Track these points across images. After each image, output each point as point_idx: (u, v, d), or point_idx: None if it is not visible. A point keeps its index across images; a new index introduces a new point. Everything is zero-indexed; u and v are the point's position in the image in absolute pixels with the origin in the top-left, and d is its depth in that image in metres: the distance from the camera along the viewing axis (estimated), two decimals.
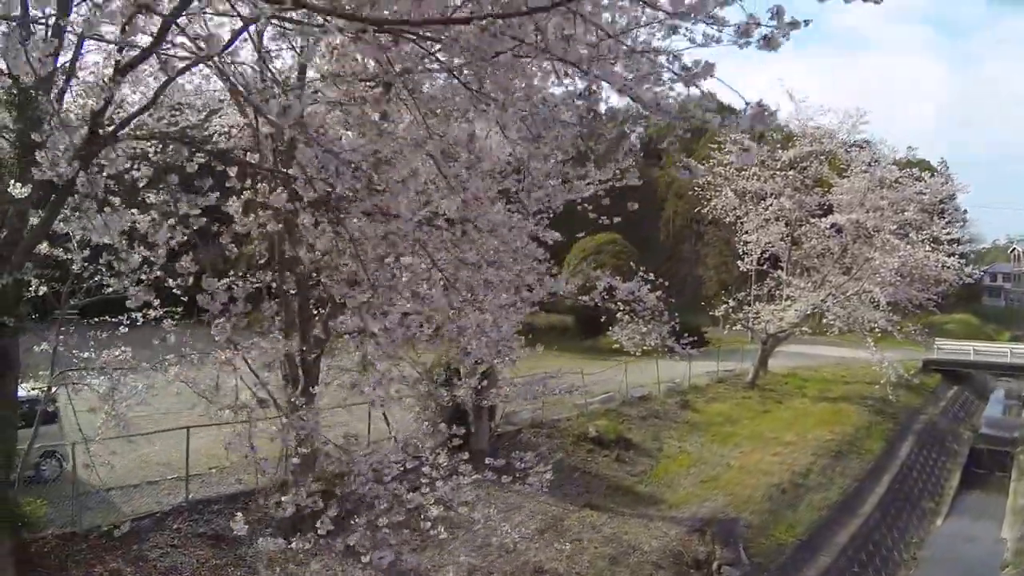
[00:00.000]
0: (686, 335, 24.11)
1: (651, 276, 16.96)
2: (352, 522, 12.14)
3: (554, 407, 27.67)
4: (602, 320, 45.96)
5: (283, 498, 10.55)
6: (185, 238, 7.79)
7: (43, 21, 8.27)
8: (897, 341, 32.74)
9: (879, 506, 22.53)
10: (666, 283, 19.44)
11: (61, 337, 14.16)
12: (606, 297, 20.86)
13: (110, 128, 6.48)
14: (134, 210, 8.33)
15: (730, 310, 33.87)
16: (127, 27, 4.57)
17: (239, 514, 9.29)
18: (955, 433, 34.24)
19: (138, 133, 8.17)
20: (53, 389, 14.91)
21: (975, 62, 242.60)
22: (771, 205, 33.99)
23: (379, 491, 11.30)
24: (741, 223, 35.42)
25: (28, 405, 14.67)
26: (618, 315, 21.94)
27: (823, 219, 32.70)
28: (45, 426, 15.44)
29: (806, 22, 4.57)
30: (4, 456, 12.50)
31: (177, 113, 12.94)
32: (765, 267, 35.14)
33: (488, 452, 21.88)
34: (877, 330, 30.87)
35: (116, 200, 7.72)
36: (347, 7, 4.56)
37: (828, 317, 32.03)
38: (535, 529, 18.79)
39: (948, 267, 31.59)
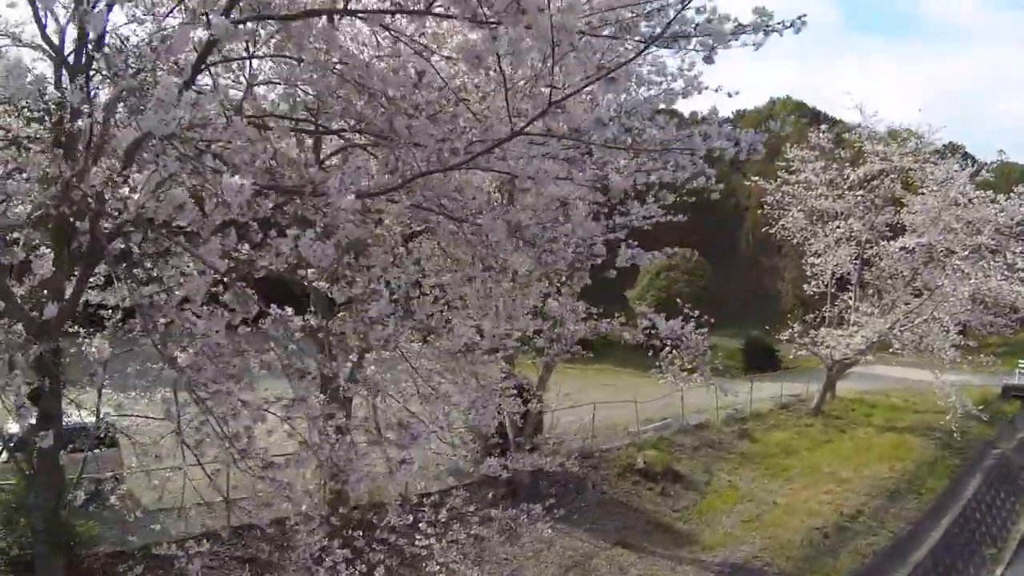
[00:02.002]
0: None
1: (696, 312, 17.05)
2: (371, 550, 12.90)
3: (607, 432, 27.79)
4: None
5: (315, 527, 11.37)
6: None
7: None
8: (976, 365, 31.18)
9: (933, 553, 21.66)
10: (711, 320, 19.35)
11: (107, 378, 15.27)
12: (649, 334, 21.05)
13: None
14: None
15: (795, 334, 33.06)
16: None
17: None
18: None
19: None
20: (106, 415, 16.09)
21: None
22: (839, 226, 33.00)
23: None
24: (809, 244, 34.57)
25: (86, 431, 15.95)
26: (663, 352, 21.97)
27: (892, 242, 31.49)
28: (106, 450, 16.67)
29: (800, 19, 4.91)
30: (55, 483, 13.79)
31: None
32: (833, 290, 34.15)
33: (530, 484, 22.32)
34: (946, 360, 29.53)
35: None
36: None
37: (895, 345, 30.84)
38: (561, 567, 19.04)
39: None
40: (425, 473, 20.31)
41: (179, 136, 3.69)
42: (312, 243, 5.04)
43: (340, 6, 6.86)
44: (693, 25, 4.67)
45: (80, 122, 4.80)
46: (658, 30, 5.39)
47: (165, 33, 4.90)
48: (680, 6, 4.40)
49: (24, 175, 6.81)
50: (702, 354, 21.76)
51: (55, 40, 7.83)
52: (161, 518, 17.20)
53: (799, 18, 5.45)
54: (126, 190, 3.80)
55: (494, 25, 3.76)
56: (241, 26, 6.74)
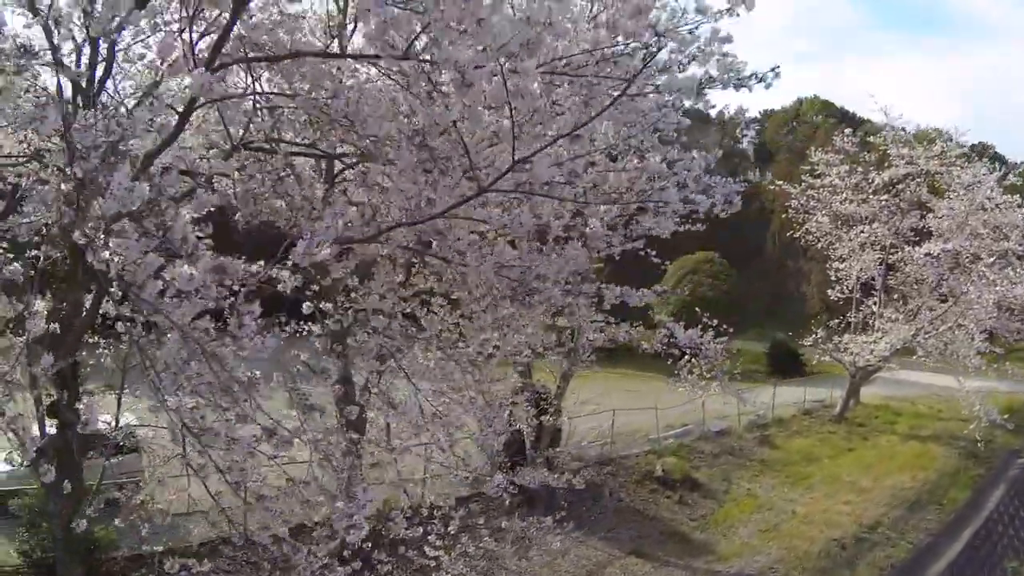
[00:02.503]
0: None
1: (716, 320, 17.09)
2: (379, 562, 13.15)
3: (627, 439, 27.81)
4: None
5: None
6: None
7: None
8: (1002, 372, 30.71)
9: (952, 566, 21.42)
10: (734, 324, 19.32)
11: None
12: (667, 343, 21.14)
13: None
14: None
15: (819, 340, 32.83)
16: None
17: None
18: None
19: None
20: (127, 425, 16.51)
21: None
22: (862, 231, 32.69)
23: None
24: (834, 249, 34.29)
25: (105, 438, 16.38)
26: (681, 361, 21.99)
27: (917, 247, 31.12)
28: (128, 455, 17.11)
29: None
30: (74, 490, 14.21)
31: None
32: (858, 295, 33.83)
33: (546, 493, 22.44)
34: (970, 368, 29.15)
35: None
36: None
37: (919, 352, 30.50)
38: None
39: None
40: (441, 481, 20.59)
41: (142, 214, 3.89)
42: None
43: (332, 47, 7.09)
44: (655, 85, 4.76)
45: (77, 170, 5.02)
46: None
47: (149, 91, 5.10)
48: (643, 62, 4.48)
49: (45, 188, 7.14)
50: (720, 363, 21.79)
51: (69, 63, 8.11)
52: (178, 523, 17.65)
53: (772, 70, 5.53)
54: (106, 254, 4.00)
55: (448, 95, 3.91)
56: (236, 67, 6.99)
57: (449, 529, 14.30)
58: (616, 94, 4.60)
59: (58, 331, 9.16)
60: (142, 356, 6.21)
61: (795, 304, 54.66)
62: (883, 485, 25.22)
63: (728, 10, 4.97)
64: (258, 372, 5.19)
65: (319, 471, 10.93)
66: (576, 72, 5.09)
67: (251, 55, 6.16)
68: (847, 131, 34.18)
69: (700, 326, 21.31)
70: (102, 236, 4.08)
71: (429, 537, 13.90)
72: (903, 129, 34.27)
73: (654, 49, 4.23)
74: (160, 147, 6.00)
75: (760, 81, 5.17)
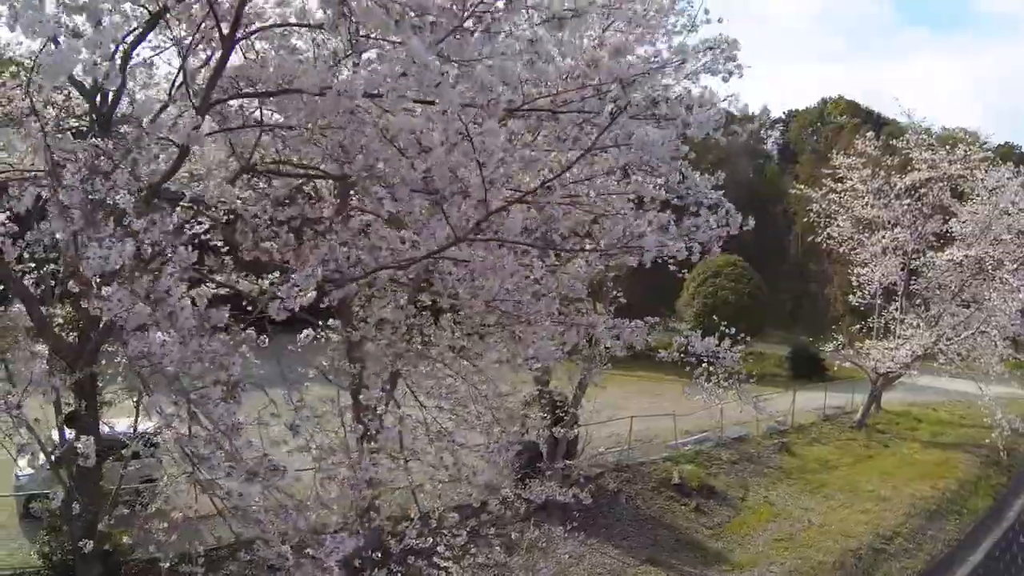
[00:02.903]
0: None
1: (733, 330, 17.15)
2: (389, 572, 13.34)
3: (645, 446, 27.81)
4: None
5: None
6: None
7: None
8: None
9: None
10: (747, 337, 19.38)
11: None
12: (684, 352, 21.10)
13: None
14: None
15: (840, 345, 32.62)
16: None
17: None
18: None
19: None
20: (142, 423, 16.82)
21: None
22: (884, 236, 32.42)
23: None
24: (856, 253, 34.02)
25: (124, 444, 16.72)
26: (699, 369, 21.99)
27: (939, 253, 30.80)
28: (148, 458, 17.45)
29: None
30: (91, 493, 14.57)
31: None
32: (880, 301, 33.53)
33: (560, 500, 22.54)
34: (992, 375, 28.81)
35: None
36: None
37: (940, 360, 30.17)
38: None
39: None
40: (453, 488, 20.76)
41: (125, 274, 4.09)
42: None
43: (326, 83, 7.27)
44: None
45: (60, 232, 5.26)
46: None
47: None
48: (611, 117, 4.60)
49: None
50: (737, 372, 21.78)
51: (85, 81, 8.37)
52: (200, 524, 17.95)
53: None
54: (96, 302, 4.21)
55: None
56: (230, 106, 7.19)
57: (458, 539, 14.43)
58: (590, 146, 4.71)
59: (77, 341, 9.49)
60: (142, 384, 6.44)
61: (819, 306, 54.19)
62: (902, 494, 25.02)
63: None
64: (241, 417, 5.37)
65: (321, 489, 11.19)
66: (563, 109, 5.25)
67: (246, 90, 6.35)
68: (870, 134, 33.88)
69: (717, 334, 21.44)
70: (95, 284, 4.29)
71: (439, 548, 14.09)
72: (927, 131, 34.00)
73: (622, 104, 4.33)
74: (160, 180, 6.24)
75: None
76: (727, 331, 18.85)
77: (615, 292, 20.95)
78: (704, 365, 21.59)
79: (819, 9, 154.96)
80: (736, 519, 23.54)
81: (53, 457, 9.77)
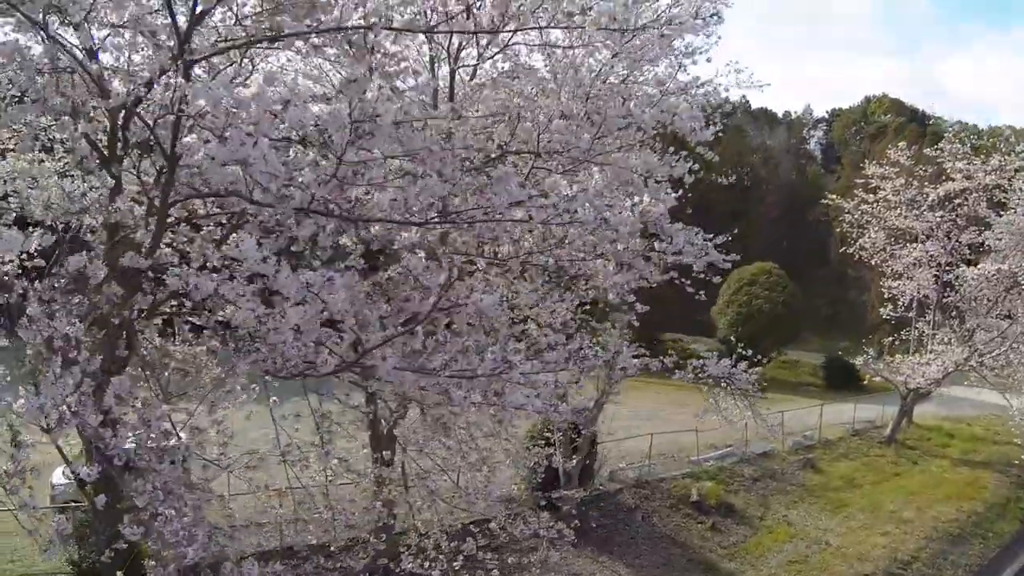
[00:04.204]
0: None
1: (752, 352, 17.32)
2: None
3: (666, 461, 27.79)
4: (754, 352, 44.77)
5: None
6: None
7: None
8: None
9: None
10: (766, 360, 19.34)
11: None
12: (700, 374, 21.38)
13: None
14: None
15: (870, 359, 32.10)
16: None
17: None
18: None
19: None
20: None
21: None
22: (915, 249, 31.83)
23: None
24: (888, 265, 33.47)
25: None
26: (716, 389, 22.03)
27: (972, 267, 30.12)
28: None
29: None
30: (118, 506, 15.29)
31: None
32: (912, 314, 32.95)
33: (577, 516, 22.73)
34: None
35: None
36: None
37: (972, 377, 29.56)
38: None
39: None
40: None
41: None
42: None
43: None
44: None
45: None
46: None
47: None
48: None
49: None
50: (753, 393, 21.77)
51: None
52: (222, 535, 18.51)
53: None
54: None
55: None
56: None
57: (454, 565, 14.67)
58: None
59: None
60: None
61: (857, 312, 53.37)
62: (925, 516, 24.63)
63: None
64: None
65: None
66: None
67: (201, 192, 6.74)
68: (901, 144, 33.12)
69: (734, 356, 21.52)
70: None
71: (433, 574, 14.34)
72: (974, 131, 33.09)
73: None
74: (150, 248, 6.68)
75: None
76: (744, 352, 19.08)
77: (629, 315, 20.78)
78: (721, 384, 21.72)
79: (870, 5, 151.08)
80: (752, 539, 23.46)
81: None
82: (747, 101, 74.00)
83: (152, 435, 5.90)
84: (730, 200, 59.24)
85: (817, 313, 53.01)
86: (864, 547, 22.55)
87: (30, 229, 7.96)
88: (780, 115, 76.24)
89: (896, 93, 75.85)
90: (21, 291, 6.42)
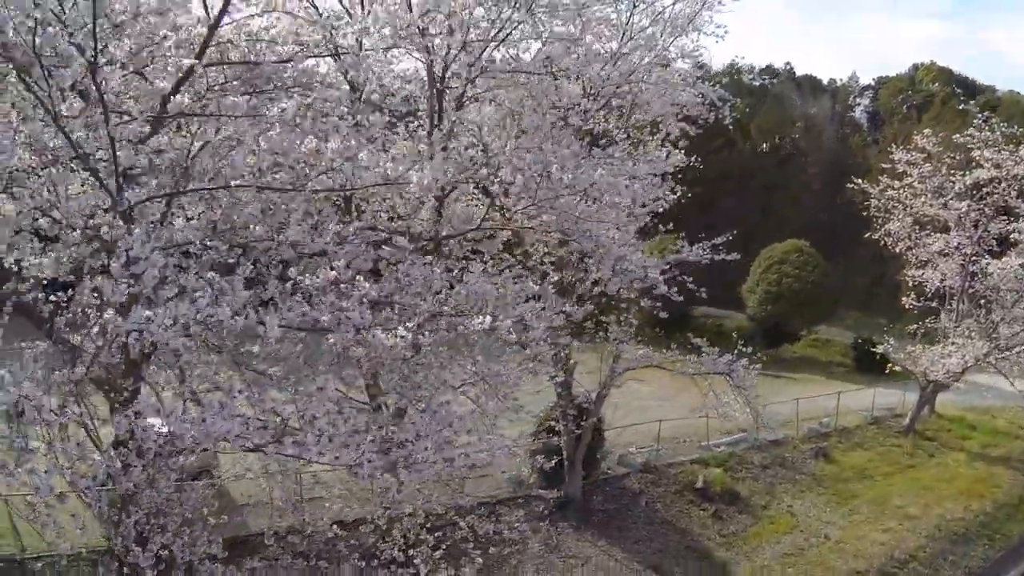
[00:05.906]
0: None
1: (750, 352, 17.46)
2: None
3: (677, 446, 27.85)
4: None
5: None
6: None
7: None
8: None
9: None
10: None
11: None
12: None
13: None
14: None
15: (891, 348, 31.68)
16: None
17: None
18: None
19: None
20: None
21: None
22: (938, 239, 31.15)
23: None
24: (913, 253, 32.81)
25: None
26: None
27: (996, 260, 29.42)
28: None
29: None
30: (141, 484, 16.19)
31: None
32: (936, 304, 32.32)
33: (581, 499, 23.21)
34: None
35: None
36: None
37: (990, 372, 29.02)
38: None
39: None
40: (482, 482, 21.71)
41: None
42: None
43: None
44: None
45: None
46: None
47: None
48: None
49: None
50: (750, 387, 21.93)
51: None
52: (245, 513, 19.30)
53: None
54: None
55: None
56: None
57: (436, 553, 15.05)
58: None
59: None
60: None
61: (892, 292, 52.32)
62: (931, 513, 24.42)
63: None
64: None
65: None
66: None
67: None
68: (926, 134, 32.03)
69: (735, 351, 21.73)
70: None
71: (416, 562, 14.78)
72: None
73: None
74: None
75: None
76: (747, 353, 19.24)
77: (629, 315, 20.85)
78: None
79: None
80: (753, 528, 23.54)
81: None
82: (791, 68, 72.17)
83: None
84: (767, 170, 58.05)
85: (855, 288, 52.20)
86: (863, 543, 22.52)
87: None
88: (825, 83, 74.14)
89: (946, 59, 73.16)
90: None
